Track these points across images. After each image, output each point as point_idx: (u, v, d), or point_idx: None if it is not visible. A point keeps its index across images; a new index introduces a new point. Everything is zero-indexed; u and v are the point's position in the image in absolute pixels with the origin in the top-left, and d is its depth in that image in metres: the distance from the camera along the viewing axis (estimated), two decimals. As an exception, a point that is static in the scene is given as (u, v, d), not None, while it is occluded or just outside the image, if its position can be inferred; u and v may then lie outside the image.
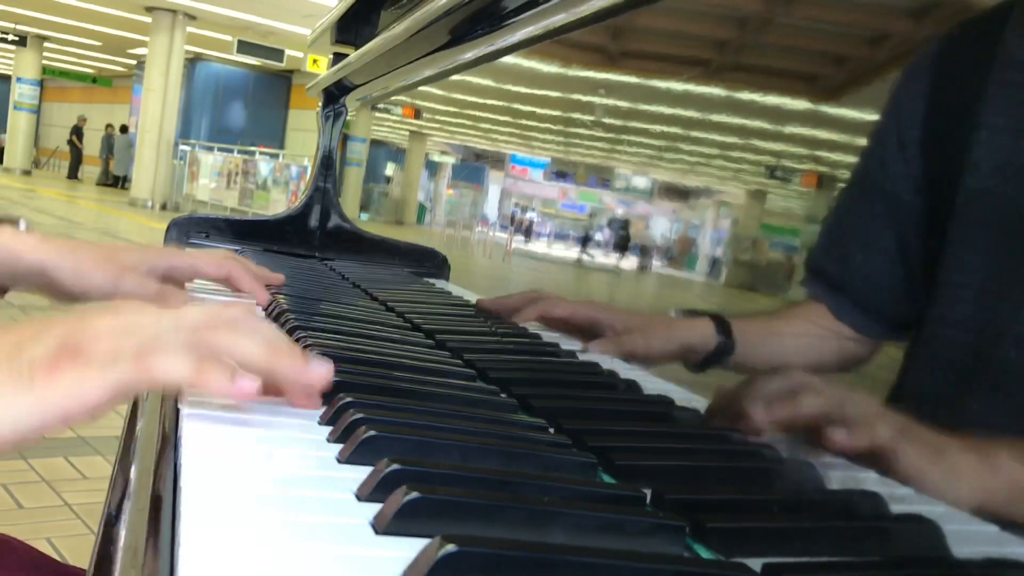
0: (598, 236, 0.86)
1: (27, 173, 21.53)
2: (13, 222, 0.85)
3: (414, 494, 0.39)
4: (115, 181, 21.70)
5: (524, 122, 1.09)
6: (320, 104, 1.78)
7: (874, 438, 0.47)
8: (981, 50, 0.45)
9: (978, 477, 0.43)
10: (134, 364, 0.49)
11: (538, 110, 1.04)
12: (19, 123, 21.61)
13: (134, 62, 22.07)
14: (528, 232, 1.04)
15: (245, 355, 0.53)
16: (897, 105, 0.50)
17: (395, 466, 0.43)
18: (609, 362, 0.76)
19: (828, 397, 0.51)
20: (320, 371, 0.55)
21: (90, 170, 22.96)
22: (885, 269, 0.50)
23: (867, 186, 0.51)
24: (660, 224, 0.75)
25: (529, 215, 1.05)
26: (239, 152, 15.14)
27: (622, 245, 0.81)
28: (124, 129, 21.75)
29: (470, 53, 1.07)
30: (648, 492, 0.47)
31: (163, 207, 15.51)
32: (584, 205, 0.90)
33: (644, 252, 0.78)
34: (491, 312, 0.97)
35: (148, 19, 15.71)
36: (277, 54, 16.82)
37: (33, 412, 0.47)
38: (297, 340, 0.73)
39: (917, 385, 0.47)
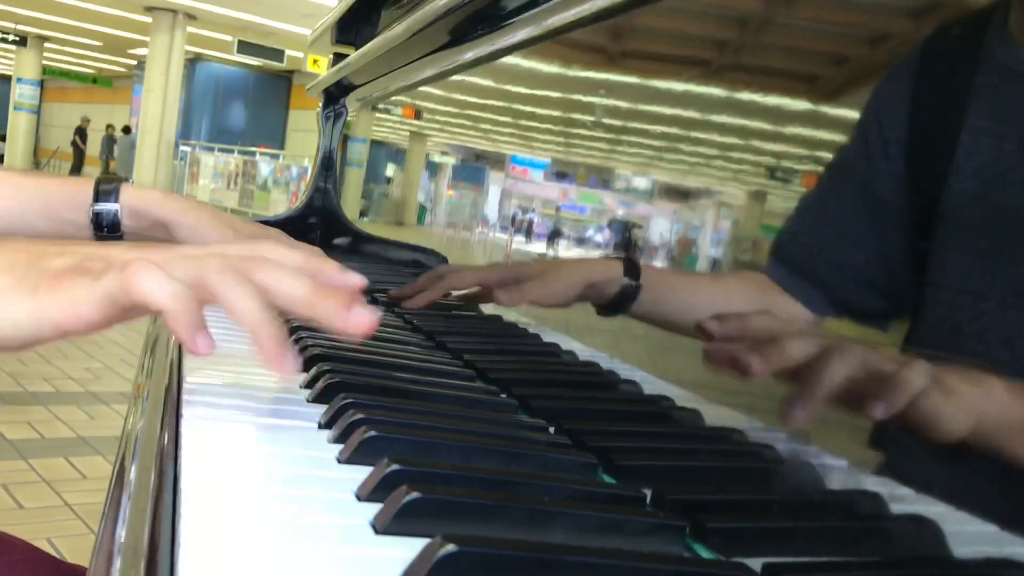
0: (609, 238, 0.86)
1: (27, 173, 21.49)
2: (123, 180, 0.88)
3: (414, 494, 0.39)
4: None
5: (524, 123, 1.09)
6: (320, 104, 1.78)
7: (908, 396, 0.44)
8: (964, 52, 0.45)
9: (975, 404, 0.43)
10: (120, 274, 0.47)
11: (538, 111, 1.04)
12: (19, 124, 21.62)
13: (134, 62, 22.08)
14: (528, 233, 1.04)
15: (287, 294, 0.51)
16: (881, 104, 0.50)
17: (395, 466, 0.43)
18: (609, 361, 0.76)
19: (846, 353, 0.49)
20: (362, 320, 0.50)
21: (90, 171, 22.96)
22: (859, 263, 0.50)
23: (847, 181, 0.52)
24: (660, 225, 0.75)
25: (529, 216, 1.05)
26: (239, 153, 15.14)
27: (627, 247, 0.80)
28: (127, 130, 21.75)
29: (470, 53, 1.07)
30: (648, 492, 0.47)
31: (163, 207, 15.47)
32: (584, 206, 0.90)
33: (647, 253, 0.78)
34: (401, 298, 0.97)
35: (148, 19, 15.71)
36: (277, 54, 16.83)
37: (28, 317, 0.48)
38: (297, 340, 0.73)
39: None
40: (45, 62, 23.38)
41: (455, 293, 0.90)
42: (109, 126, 22.00)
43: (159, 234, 0.86)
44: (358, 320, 0.50)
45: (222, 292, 0.49)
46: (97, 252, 0.52)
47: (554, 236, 0.89)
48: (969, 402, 0.43)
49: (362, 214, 1.72)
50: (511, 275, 0.79)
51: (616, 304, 0.63)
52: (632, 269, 0.63)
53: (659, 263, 0.74)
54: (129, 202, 0.84)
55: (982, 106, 0.44)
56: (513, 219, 1.08)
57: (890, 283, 0.48)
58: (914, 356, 0.47)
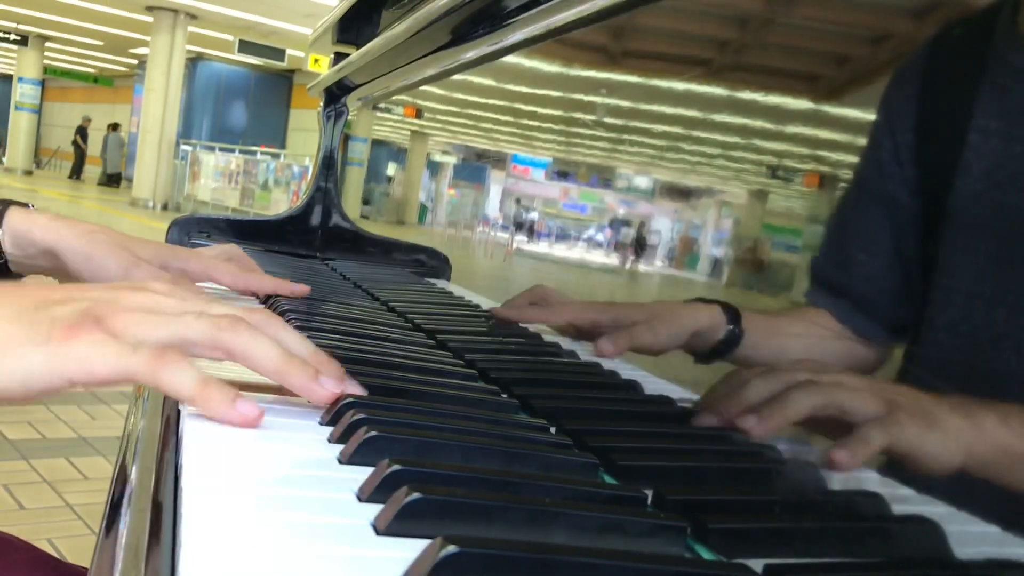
0: (610, 237, 0.86)
1: (28, 173, 21.55)
2: (23, 206, 0.83)
3: (415, 495, 0.39)
4: (107, 179, 21.70)
5: (526, 122, 1.09)
6: (321, 104, 1.78)
7: (879, 432, 0.46)
8: (972, 51, 0.44)
9: (965, 439, 0.43)
10: (148, 361, 0.48)
11: (539, 110, 1.04)
12: (20, 123, 21.63)
13: (135, 62, 22.09)
14: (529, 232, 1.04)
15: (258, 359, 0.53)
16: (889, 108, 0.50)
17: (396, 467, 0.43)
18: (610, 361, 0.76)
19: (817, 392, 0.50)
20: (326, 392, 0.55)
21: (91, 170, 22.98)
22: (884, 272, 0.50)
23: (864, 189, 0.51)
24: (662, 224, 0.75)
25: (530, 215, 1.05)
26: (240, 152, 15.14)
27: (638, 248, 0.79)
28: (115, 127, 21.76)
29: (471, 53, 1.07)
30: (649, 493, 0.47)
31: (164, 207, 15.52)
32: (586, 205, 0.90)
33: (648, 253, 0.78)
34: (502, 319, 0.93)
35: (149, 19, 15.72)
36: (278, 54, 16.84)
37: (42, 370, 0.47)
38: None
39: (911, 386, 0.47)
40: (46, 61, 23.40)
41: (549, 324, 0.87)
42: (109, 125, 22.01)
43: (46, 263, 0.81)
44: (323, 394, 0.54)
45: (240, 343, 0.53)
46: (106, 297, 0.52)
47: (639, 247, 0.82)
48: (956, 436, 0.43)
49: (365, 204, 1.72)
50: (613, 317, 0.75)
51: (717, 351, 0.61)
52: (732, 314, 0.61)
53: (659, 263, 0.74)
54: (13, 227, 0.79)
55: (990, 107, 0.43)
56: (514, 218, 1.08)
57: (909, 291, 0.48)
58: (903, 386, 0.47)
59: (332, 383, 0.55)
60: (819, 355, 0.55)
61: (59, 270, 0.82)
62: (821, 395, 0.50)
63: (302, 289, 0.97)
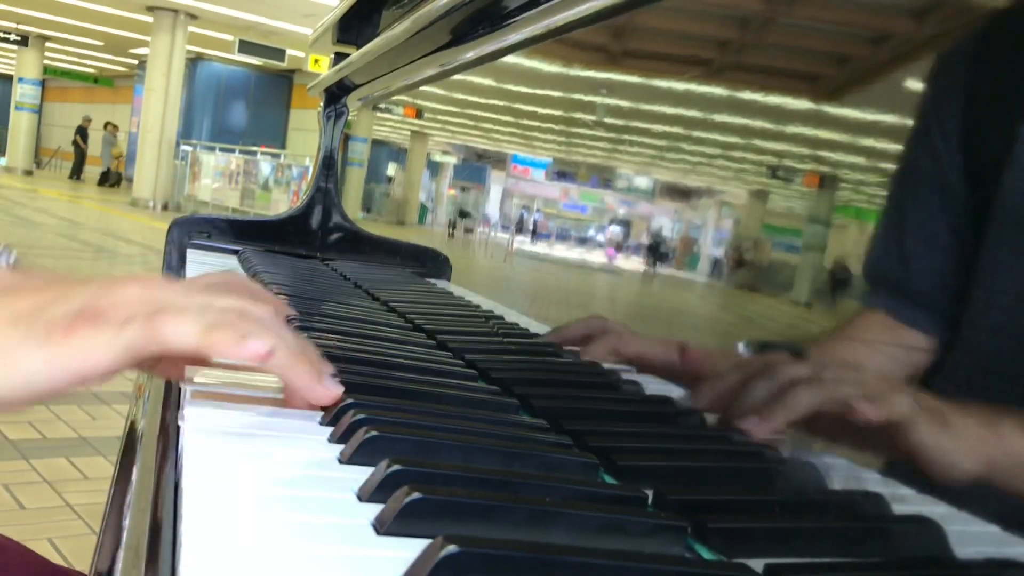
0: (611, 237, 0.86)
1: (29, 173, 21.56)
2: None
3: (416, 495, 0.39)
4: (102, 178, 21.68)
5: (526, 122, 1.09)
6: (321, 104, 1.78)
7: (885, 420, 0.45)
8: (1019, 42, 0.42)
9: (981, 446, 0.42)
10: (144, 324, 0.48)
11: (540, 110, 1.04)
12: (21, 123, 21.63)
13: (135, 62, 22.09)
14: (530, 232, 1.04)
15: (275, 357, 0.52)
16: (935, 95, 0.48)
17: (396, 467, 0.43)
18: (610, 361, 0.76)
19: (820, 390, 0.49)
20: (328, 393, 0.55)
21: (91, 170, 22.99)
22: (945, 265, 0.48)
23: (918, 180, 0.49)
24: (662, 224, 0.75)
25: (530, 215, 1.05)
26: (240, 152, 15.15)
27: (655, 253, 0.76)
28: (107, 126, 21.77)
29: (471, 53, 1.07)
30: (650, 492, 0.47)
31: (164, 207, 15.53)
32: (586, 205, 0.90)
33: (649, 253, 0.78)
34: (558, 345, 0.84)
35: (150, 19, 15.73)
36: (278, 54, 16.83)
37: (44, 370, 0.47)
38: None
39: (949, 394, 0.45)
40: (46, 62, 23.40)
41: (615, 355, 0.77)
42: (107, 124, 22.01)
43: None
44: (329, 392, 0.55)
45: (247, 332, 0.51)
46: (101, 292, 0.51)
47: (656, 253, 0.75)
48: (973, 444, 0.42)
49: (365, 204, 1.72)
50: (676, 357, 0.65)
51: None
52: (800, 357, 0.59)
53: (661, 263, 0.74)
54: None
55: None
56: (514, 218, 1.08)
57: (961, 284, 0.46)
58: (922, 395, 0.46)
59: (334, 384, 0.55)
60: (886, 363, 0.52)
61: None
62: (825, 392, 0.49)
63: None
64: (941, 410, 0.44)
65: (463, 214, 1.00)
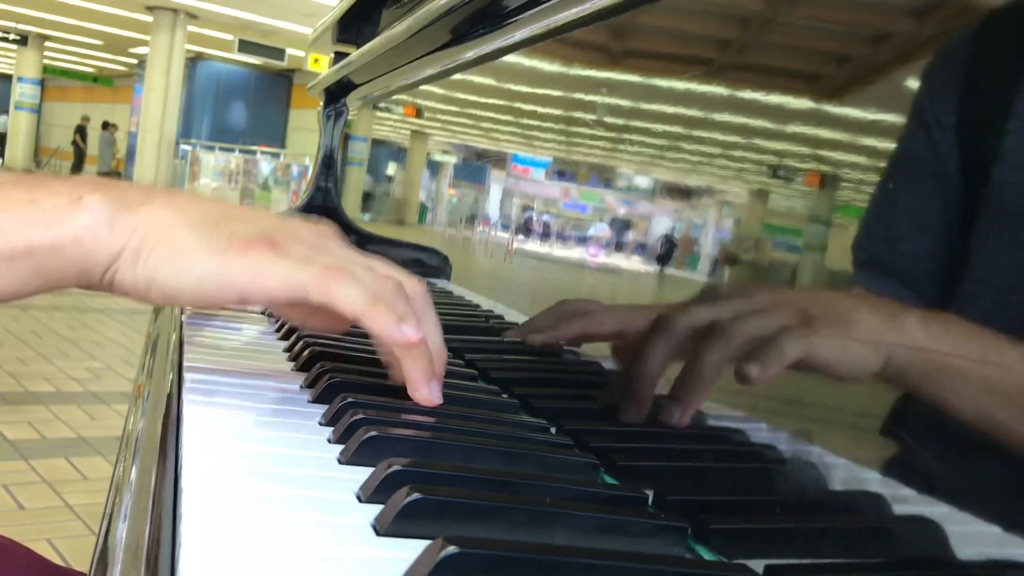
0: (611, 237, 0.86)
1: (28, 172, 21.53)
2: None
3: (415, 495, 0.39)
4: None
5: (526, 121, 1.09)
6: (321, 103, 1.78)
7: (792, 344, 0.47)
8: (1017, 38, 0.43)
9: (885, 342, 0.43)
10: (320, 274, 0.50)
11: (540, 109, 1.04)
12: (20, 123, 21.64)
13: (135, 61, 22.10)
14: (530, 232, 1.04)
15: (386, 334, 0.54)
16: (932, 87, 0.49)
17: (396, 467, 0.42)
18: (611, 362, 0.76)
19: (731, 334, 0.51)
20: (428, 398, 0.56)
21: (91, 169, 22.99)
22: (933, 250, 0.49)
23: (912, 166, 0.50)
24: (662, 223, 0.75)
25: (530, 215, 1.05)
26: (240, 152, 15.15)
27: (666, 254, 0.75)
28: (105, 126, 21.76)
29: (472, 52, 1.07)
30: (650, 493, 0.47)
31: (164, 207, 15.49)
32: (586, 205, 0.90)
33: (649, 252, 0.78)
34: (527, 337, 0.82)
35: (149, 18, 15.73)
36: (278, 53, 16.84)
37: (216, 274, 0.50)
38: (298, 340, 0.73)
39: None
40: (46, 61, 23.41)
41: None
42: (105, 123, 22.00)
43: None
44: (430, 395, 0.56)
45: (401, 309, 0.53)
46: (282, 225, 0.54)
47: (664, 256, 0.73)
48: (875, 339, 0.43)
49: (365, 204, 1.72)
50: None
51: None
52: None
53: (660, 262, 0.74)
54: None
55: None
56: (514, 218, 1.08)
57: (950, 273, 0.47)
58: (821, 292, 0.48)
59: (437, 390, 0.56)
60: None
61: None
62: (731, 340, 0.50)
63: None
64: (840, 308, 0.46)
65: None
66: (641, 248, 0.78)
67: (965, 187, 0.46)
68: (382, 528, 0.39)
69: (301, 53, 16.61)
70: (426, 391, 0.55)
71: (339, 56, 1.73)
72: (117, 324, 5.68)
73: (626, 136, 0.83)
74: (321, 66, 12.88)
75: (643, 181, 0.79)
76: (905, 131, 0.50)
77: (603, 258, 0.85)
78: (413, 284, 0.57)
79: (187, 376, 0.61)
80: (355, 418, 0.51)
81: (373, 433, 0.48)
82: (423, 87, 1.37)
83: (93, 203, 0.50)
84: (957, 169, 0.47)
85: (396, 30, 1.15)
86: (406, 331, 0.51)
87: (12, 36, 20.26)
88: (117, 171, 21.97)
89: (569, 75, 0.94)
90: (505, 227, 1.10)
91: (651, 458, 0.54)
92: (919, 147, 0.49)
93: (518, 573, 0.34)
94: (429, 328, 0.56)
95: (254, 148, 15.74)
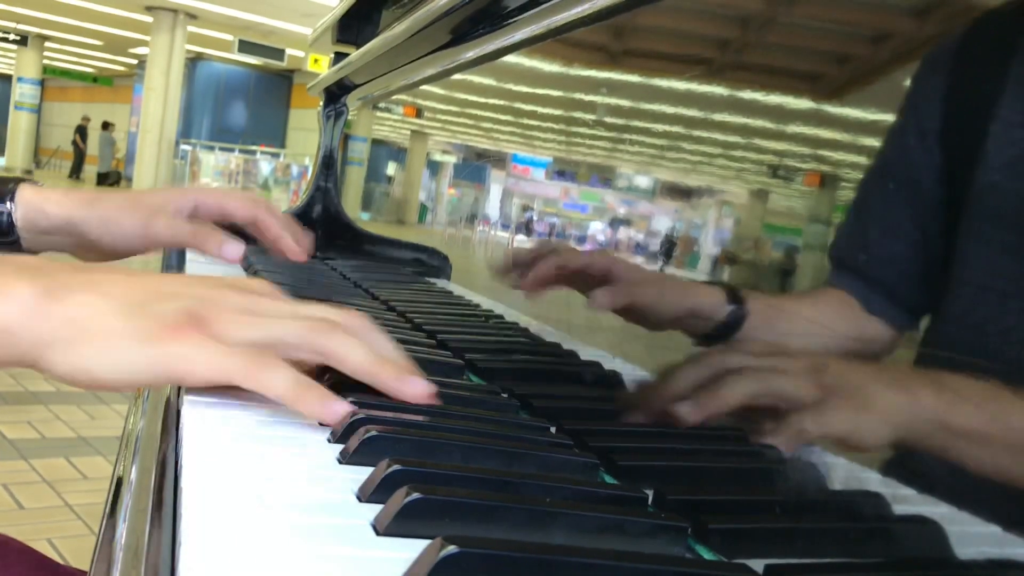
0: (611, 237, 0.86)
1: (28, 173, 21.55)
2: (34, 184, 0.83)
3: (415, 495, 0.39)
4: (101, 179, 21.68)
5: (526, 121, 1.09)
6: (321, 103, 1.78)
7: (812, 423, 0.49)
8: (1002, 43, 0.44)
9: (901, 417, 0.44)
10: (245, 364, 0.50)
11: (540, 109, 1.04)
12: (20, 123, 21.64)
13: (135, 61, 22.11)
14: (530, 231, 1.04)
15: (350, 361, 0.55)
16: (916, 94, 0.50)
17: (396, 466, 0.42)
18: (611, 361, 0.76)
19: (751, 379, 0.52)
20: (416, 390, 0.56)
21: (90, 169, 23.00)
22: (905, 256, 0.50)
23: (888, 174, 0.51)
24: (662, 223, 0.75)
25: (530, 215, 1.05)
26: (240, 152, 15.15)
27: (666, 253, 0.77)
28: (105, 126, 21.76)
29: (471, 52, 1.07)
30: (650, 493, 0.47)
31: (164, 206, 15.49)
32: (586, 204, 0.90)
33: (649, 252, 0.78)
34: (506, 270, 0.91)
35: (149, 19, 15.73)
36: (278, 53, 16.84)
37: (147, 366, 0.50)
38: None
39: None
40: (46, 61, 23.42)
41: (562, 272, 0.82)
42: (105, 124, 22.00)
43: (61, 238, 0.80)
44: (414, 389, 0.56)
45: (334, 346, 0.54)
46: (209, 296, 0.54)
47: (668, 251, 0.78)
48: (891, 414, 0.45)
49: (365, 203, 1.72)
50: (612, 269, 0.73)
51: (718, 333, 0.61)
52: (734, 295, 0.61)
53: (661, 262, 0.74)
54: (26, 203, 0.79)
55: (1015, 98, 0.43)
56: (514, 218, 1.08)
57: (928, 279, 0.48)
58: (839, 362, 0.50)
59: (420, 382, 0.56)
60: (828, 338, 0.55)
61: (76, 244, 0.81)
62: (755, 382, 0.52)
63: (298, 249, 0.92)
64: (858, 382, 0.47)
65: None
66: (641, 248, 0.78)
67: (947, 191, 0.47)
68: (382, 528, 0.39)
69: (301, 53, 16.61)
70: (408, 388, 0.56)
71: (339, 56, 1.73)
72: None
73: (626, 136, 0.83)
74: (321, 66, 12.89)
75: (643, 181, 0.79)
76: (886, 138, 0.51)
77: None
78: (350, 317, 0.58)
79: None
80: (355, 418, 0.51)
81: (373, 433, 0.48)
82: (423, 87, 1.37)
83: (18, 293, 0.50)
84: (937, 174, 0.48)
85: (396, 30, 1.15)
86: (335, 409, 0.52)
87: (12, 36, 20.27)
88: (118, 171, 21.98)
89: (569, 75, 0.94)
90: (505, 227, 1.10)
91: (651, 458, 0.54)
92: (897, 153, 0.50)
93: (518, 573, 0.34)
94: (382, 346, 0.58)
95: (254, 148, 15.76)
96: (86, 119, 23.37)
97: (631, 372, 0.72)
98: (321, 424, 0.55)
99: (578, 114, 0.92)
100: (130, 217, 0.80)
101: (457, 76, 1.21)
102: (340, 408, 0.52)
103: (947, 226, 0.46)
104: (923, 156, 0.48)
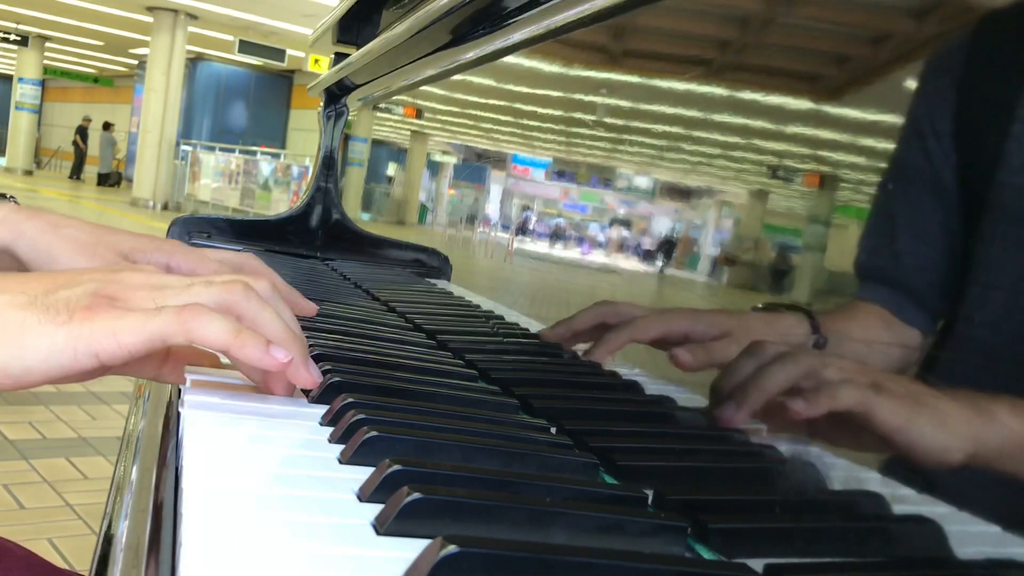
0: (611, 237, 0.86)
1: (29, 173, 21.56)
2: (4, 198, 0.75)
3: (415, 495, 0.39)
4: (102, 179, 21.67)
5: (526, 122, 1.09)
6: (321, 104, 1.78)
7: (838, 400, 0.47)
8: (1014, 41, 0.43)
9: (970, 428, 0.43)
10: (175, 317, 0.49)
11: (540, 110, 1.04)
12: (20, 123, 21.63)
13: (136, 62, 22.09)
14: (530, 232, 1.04)
15: (265, 327, 0.54)
16: (927, 96, 0.49)
17: (396, 466, 0.43)
18: (610, 362, 0.76)
19: (789, 367, 0.51)
20: (309, 377, 0.56)
21: (91, 170, 22.99)
22: (937, 263, 0.49)
23: (910, 177, 0.50)
24: (662, 224, 0.75)
25: (530, 215, 1.05)
26: (240, 152, 15.15)
27: (668, 253, 0.76)
28: (106, 126, 21.76)
29: (471, 53, 1.07)
30: (650, 493, 0.47)
31: (164, 207, 15.53)
32: (586, 205, 0.90)
33: (649, 252, 0.78)
34: (558, 343, 0.84)
35: (150, 19, 15.73)
36: (278, 54, 16.84)
37: (67, 346, 0.48)
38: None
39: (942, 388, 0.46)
40: (46, 62, 23.41)
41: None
42: (105, 124, 21.99)
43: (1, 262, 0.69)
44: (309, 378, 0.55)
45: (251, 311, 0.53)
46: (109, 278, 0.53)
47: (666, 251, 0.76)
48: (958, 426, 0.43)
49: (365, 204, 1.72)
50: (699, 328, 0.68)
51: None
52: (813, 321, 0.59)
53: (661, 262, 0.74)
54: None
55: None
56: (514, 219, 1.08)
57: (952, 282, 0.47)
58: (901, 381, 0.48)
59: (315, 374, 0.56)
60: (879, 356, 0.53)
61: (17, 271, 0.69)
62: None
63: (310, 309, 0.83)
64: (914, 388, 0.45)
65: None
66: (641, 248, 0.78)
67: (964, 193, 0.46)
68: (382, 527, 0.39)
69: (301, 54, 16.61)
70: (306, 374, 0.55)
71: (339, 57, 1.73)
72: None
73: (626, 136, 0.83)
74: (321, 67, 12.89)
75: (643, 181, 0.79)
76: (899, 142, 0.50)
77: (603, 258, 0.85)
78: (259, 282, 0.57)
79: (187, 376, 0.61)
80: (355, 418, 0.51)
81: (373, 433, 0.48)
82: (423, 88, 1.37)
83: None
84: (954, 176, 0.47)
85: (396, 31, 1.15)
86: (276, 355, 0.51)
87: (12, 37, 20.26)
88: (118, 171, 21.97)
89: (569, 75, 0.94)
90: (505, 227, 1.10)
91: (651, 458, 0.54)
92: (914, 157, 0.49)
93: (518, 572, 0.34)
94: (287, 318, 0.57)
95: (254, 148, 15.75)
96: (87, 119, 23.36)
97: (631, 372, 0.72)
98: (321, 423, 0.55)
99: (578, 115, 0.92)
100: (85, 257, 0.69)
101: (457, 77, 1.21)
102: (280, 354, 0.51)
103: (965, 228, 0.45)
104: (943, 155, 0.47)
